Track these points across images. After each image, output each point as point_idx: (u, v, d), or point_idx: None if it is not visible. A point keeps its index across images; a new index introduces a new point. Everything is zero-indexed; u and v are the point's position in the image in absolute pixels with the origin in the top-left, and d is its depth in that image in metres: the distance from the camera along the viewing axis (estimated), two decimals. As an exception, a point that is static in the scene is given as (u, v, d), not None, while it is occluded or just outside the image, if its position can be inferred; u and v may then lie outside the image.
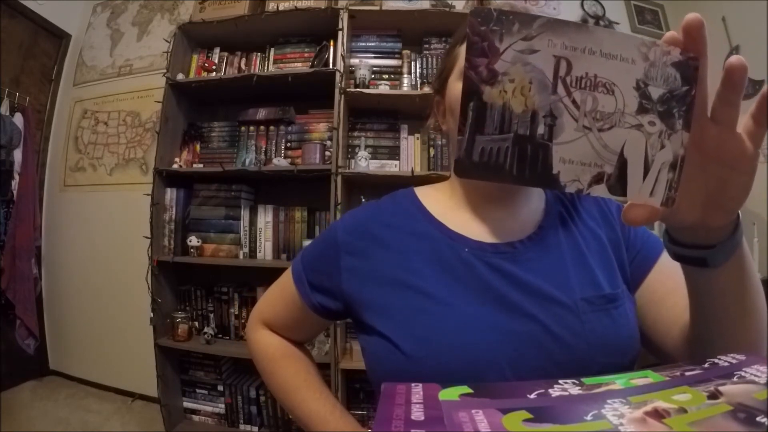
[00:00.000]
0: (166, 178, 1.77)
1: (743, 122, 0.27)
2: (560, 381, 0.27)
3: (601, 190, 0.26)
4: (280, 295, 0.57)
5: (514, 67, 0.24)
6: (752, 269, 0.35)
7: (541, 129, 0.25)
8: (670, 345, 0.44)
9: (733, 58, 0.25)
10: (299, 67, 1.80)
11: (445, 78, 0.49)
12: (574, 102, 0.25)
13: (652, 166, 0.26)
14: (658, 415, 0.20)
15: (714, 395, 0.22)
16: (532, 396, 0.24)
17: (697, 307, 0.38)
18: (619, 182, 0.26)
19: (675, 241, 0.34)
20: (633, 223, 0.28)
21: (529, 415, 0.21)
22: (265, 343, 0.58)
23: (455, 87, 0.44)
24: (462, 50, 0.45)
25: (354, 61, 1.77)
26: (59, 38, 2.44)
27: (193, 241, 1.72)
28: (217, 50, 1.93)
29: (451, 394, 0.25)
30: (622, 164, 0.25)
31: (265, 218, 1.75)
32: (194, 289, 1.83)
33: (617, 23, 2.31)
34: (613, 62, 0.24)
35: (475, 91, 0.24)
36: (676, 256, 0.34)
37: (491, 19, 0.23)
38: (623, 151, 0.25)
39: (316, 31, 1.79)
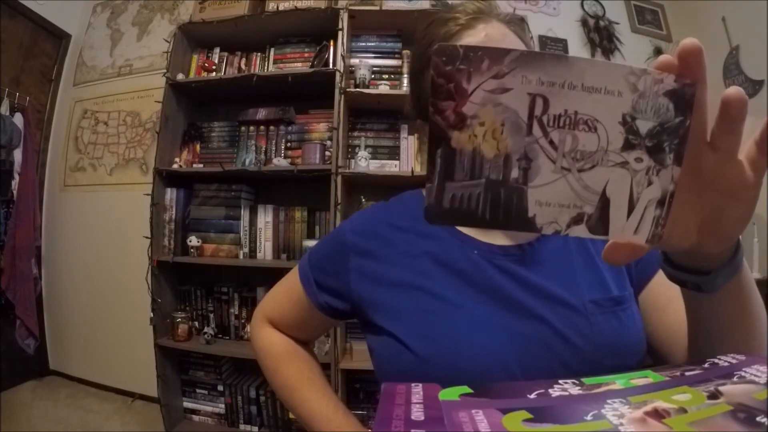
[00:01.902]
0: (166, 178, 1.77)
1: (746, 148, 0.25)
2: (560, 381, 0.27)
3: (580, 231, 0.24)
4: (286, 294, 0.58)
5: (484, 108, 0.22)
6: (753, 293, 0.33)
7: (515, 173, 0.23)
8: (671, 351, 0.44)
9: (731, 91, 0.23)
10: (299, 67, 1.80)
11: (423, 109, 0.49)
12: (551, 143, 0.23)
13: (637, 204, 0.24)
14: (658, 415, 0.20)
15: (714, 395, 0.22)
16: (532, 396, 0.24)
17: (694, 329, 0.37)
18: (600, 222, 0.24)
19: (671, 262, 0.32)
20: (614, 263, 0.27)
21: (529, 415, 0.21)
22: (270, 341, 0.58)
23: None
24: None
25: (354, 61, 1.77)
26: (59, 38, 2.44)
27: (193, 241, 1.72)
28: (217, 50, 1.93)
29: (451, 394, 0.25)
30: (604, 204, 0.24)
31: (265, 218, 1.75)
32: (194, 289, 1.83)
33: (617, 23, 2.31)
34: (597, 96, 0.22)
35: (443, 137, 0.22)
36: (671, 278, 0.33)
37: (457, 57, 0.21)
38: (605, 190, 0.23)
39: (316, 31, 1.79)
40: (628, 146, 0.23)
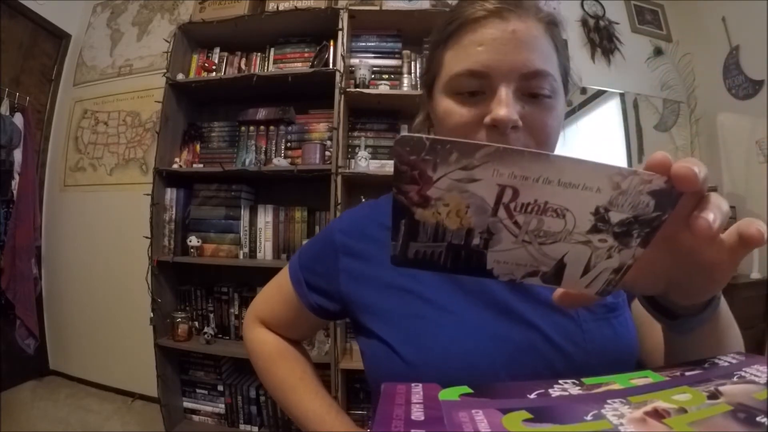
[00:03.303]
0: (166, 178, 1.77)
1: (730, 231, 0.24)
2: (560, 381, 0.27)
3: (535, 281, 0.25)
4: (277, 294, 0.57)
5: (450, 194, 0.22)
6: (728, 331, 0.33)
7: (476, 241, 0.24)
8: (655, 364, 0.43)
9: (702, 226, 0.22)
10: (299, 67, 1.80)
11: (430, 81, 0.47)
12: (515, 223, 0.23)
13: (592, 270, 0.24)
14: (658, 415, 0.20)
15: (714, 395, 0.22)
16: (532, 396, 0.24)
17: (669, 357, 0.37)
18: (554, 277, 0.25)
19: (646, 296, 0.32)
20: (563, 306, 0.28)
21: (529, 415, 0.21)
22: (262, 341, 0.58)
23: (441, 101, 0.43)
24: (447, 54, 0.43)
25: (354, 61, 1.77)
26: (59, 38, 2.44)
27: (193, 241, 1.72)
28: (217, 50, 1.93)
29: (451, 394, 0.25)
30: (559, 266, 0.25)
31: (265, 218, 1.75)
32: (194, 289, 1.82)
33: (617, 23, 2.31)
34: (572, 191, 0.21)
35: (406, 212, 0.23)
36: (647, 310, 0.32)
37: (422, 148, 0.20)
38: (564, 258, 0.24)
39: (316, 31, 1.79)
40: (594, 230, 0.23)
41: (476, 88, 0.39)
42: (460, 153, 0.20)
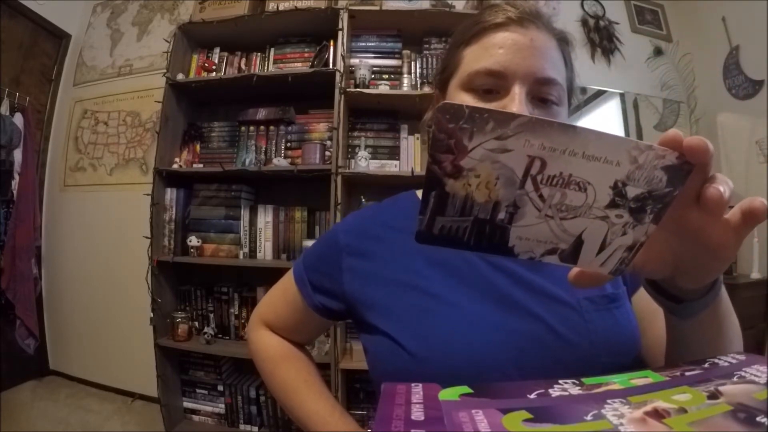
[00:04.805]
0: (166, 178, 1.77)
1: (733, 211, 0.25)
2: (560, 381, 0.27)
3: (553, 260, 0.26)
4: (281, 296, 0.58)
5: (482, 164, 0.23)
6: (728, 320, 0.34)
7: (501, 215, 0.24)
8: (655, 359, 0.44)
9: (713, 193, 0.23)
10: (299, 67, 1.80)
11: (446, 79, 0.49)
12: (540, 196, 0.24)
13: (608, 247, 0.26)
14: (658, 415, 0.20)
15: (714, 395, 0.22)
16: (532, 396, 0.24)
17: (670, 346, 0.38)
18: (571, 255, 0.26)
19: (652, 282, 0.33)
20: (578, 287, 0.29)
21: (529, 415, 0.21)
22: (266, 344, 0.58)
23: (457, 96, 0.45)
24: (467, 53, 0.45)
25: (354, 61, 1.77)
26: (59, 38, 2.44)
27: (193, 241, 1.72)
28: (217, 50, 1.93)
29: (451, 394, 0.25)
30: (577, 243, 0.26)
31: (265, 218, 1.75)
32: (194, 289, 1.83)
33: (617, 23, 2.31)
34: (595, 164, 0.23)
35: (438, 184, 0.23)
36: (651, 297, 0.33)
37: (462, 116, 0.21)
38: (582, 234, 0.25)
39: (316, 31, 1.79)
40: (612, 205, 0.24)
41: (491, 87, 0.42)
42: (496, 122, 0.21)
